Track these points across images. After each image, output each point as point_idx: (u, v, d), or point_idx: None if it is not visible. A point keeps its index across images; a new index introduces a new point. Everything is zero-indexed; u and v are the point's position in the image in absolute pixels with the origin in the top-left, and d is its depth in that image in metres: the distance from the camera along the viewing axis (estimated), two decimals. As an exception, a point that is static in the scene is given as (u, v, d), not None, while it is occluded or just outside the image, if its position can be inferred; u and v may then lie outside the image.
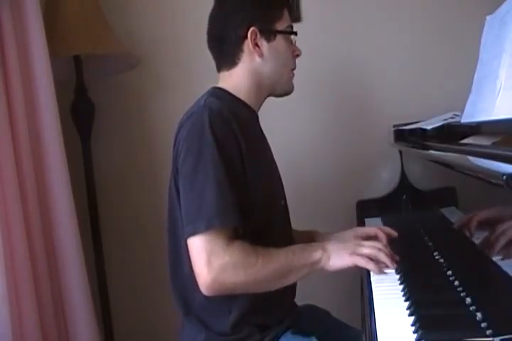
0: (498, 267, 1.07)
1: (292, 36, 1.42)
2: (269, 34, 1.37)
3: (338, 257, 1.21)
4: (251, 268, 1.18)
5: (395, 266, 1.20)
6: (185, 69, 2.17)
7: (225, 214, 1.18)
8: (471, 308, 0.92)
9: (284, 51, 1.39)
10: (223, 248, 1.17)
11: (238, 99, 1.37)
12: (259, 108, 1.43)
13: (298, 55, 1.44)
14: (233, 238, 1.20)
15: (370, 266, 1.19)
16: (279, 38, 1.38)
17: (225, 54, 1.38)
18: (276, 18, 1.38)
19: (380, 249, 1.22)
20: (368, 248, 1.22)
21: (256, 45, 1.35)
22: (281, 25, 1.38)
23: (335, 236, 1.51)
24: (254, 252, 1.20)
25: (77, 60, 2.04)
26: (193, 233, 1.18)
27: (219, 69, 1.41)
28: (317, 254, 1.22)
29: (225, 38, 1.37)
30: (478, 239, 1.26)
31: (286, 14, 1.41)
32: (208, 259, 1.16)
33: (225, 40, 1.37)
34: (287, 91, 1.45)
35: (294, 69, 1.44)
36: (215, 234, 1.17)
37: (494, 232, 1.10)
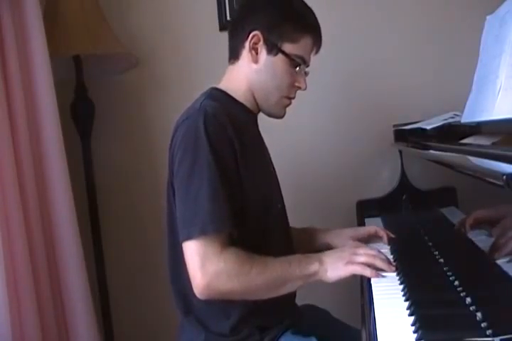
0: (498, 267, 1.07)
1: (299, 68, 1.35)
2: (271, 47, 1.33)
3: (335, 269, 1.21)
4: (245, 276, 1.18)
5: (393, 269, 1.20)
6: (185, 69, 2.17)
7: (219, 220, 1.18)
8: (471, 308, 0.91)
9: (280, 72, 1.34)
10: (217, 253, 1.17)
11: (236, 101, 1.37)
12: (258, 111, 1.41)
13: (299, 88, 1.38)
14: (228, 244, 1.19)
15: (366, 272, 1.19)
16: (281, 58, 1.33)
17: (231, 43, 1.38)
18: (289, 38, 1.32)
19: (374, 256, 1.22)
20: (363, 256, 1.21)
21: (254, 49, 1.33)
22: (290, 48, 1.33)
23: (334, 233, 1.52)
24: (249, 260, 1.19)
25: (77, 60, 2.04)
26: (188, 237, 1.18)
27: (229, 58, 1.40)
28: (314, 267, 1.21)
29: (234, 28, 1.37)
30: (474, 237, 1.27)
31: (305, 43, 1.34)
32: (202, 264, 1.16)
33: (234, 31, 1.37)
34: (274, 115, 1.41)
35: (290, 97, 1.38)
36: (209, 239, 1.17)
37: (503, 236, 1.11)
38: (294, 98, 1.40)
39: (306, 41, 1.35)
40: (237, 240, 1.22)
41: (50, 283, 1.75)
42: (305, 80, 1.38)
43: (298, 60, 1.35)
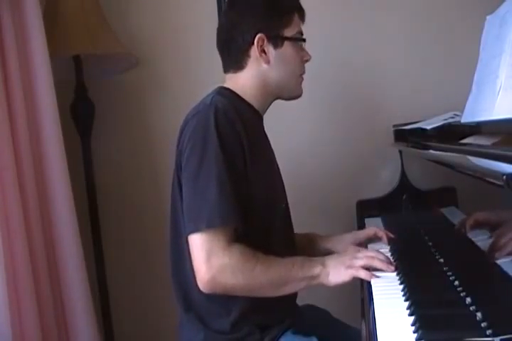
0: (498, 267, 1.07)
1: (303, 43, 1.41)
2: (276, 41, 1.36)
3: (337, 273, 1.22)
4: (249, 272, 1.19)
5: (392, 269, 1.21)
6: (185, 69, 2.17)
7: (226, 214, 1.19)
8: (471, 308, 0.92)
9: (292, 57, 1.39)
10: (223, 248, 1.18)
11: (244, 101, 1.38)
12: (264, 111, 1.43)
13: (307, 60, 1.43)
14: (233, 239, 1.21)
15: (362, 274, 1.20)
16: (287, 45, 1.37)
17: (232, 57, 1.39)
18: (285, 24, 1.37)
19: (373, 257, 1.23)
20: (362, 259, 1.22)
21: (263, 51, 1.35)
22: (289, 32, 1.37)
23: (336, 240, 1.53)
24: (254, 257, 1.20)
25: (77, 60, 2.04)
26: (194, 230, 1.19)
27: (225, 70, 1.41)
28: (316, 270, 1.22)
29: (232, 42, 1.37)
30: (474, 237, 1.27)
31: (296, 19, 1.39)
32: (208, 258, 1.17)
33: (232, 44, 1.37)
34: (295, 96, 1.45)
35: (302, 74, 1.43)
36: (215, 233, 1.18)
37: (503, 237, 1.11)
38: (304, 73, 1.44)
39: (296, 18, 1.40)
40: (240, 236, 1.23)
41: (50, 283, 1.75)
42: (307, 51, 1.43)
43: (299, 37, 1.40)
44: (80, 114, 2.09)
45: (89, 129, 2.11)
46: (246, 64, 1.37)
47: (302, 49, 1.42)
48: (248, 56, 1.36)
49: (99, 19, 2.03)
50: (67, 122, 2.02)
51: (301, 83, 1.44)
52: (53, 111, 1.80)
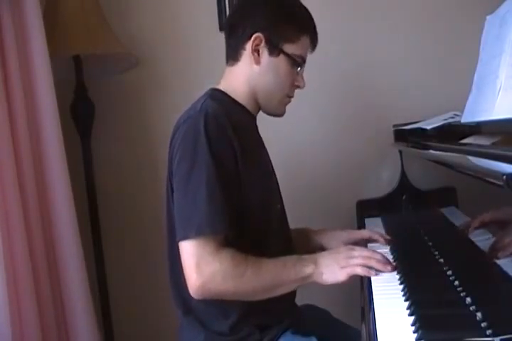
0: (498, 267, 1.07)
1: (301, 68, 1.38)
2: (273, 49, 1.34)
3: (331, 272, 1.21)
4: (240, 277, 1.19)
5: (389, 269, 1.20)
6: (185, 69, 2.17)
7: (215, 221, 1.18)
8: (471, 308, 0.92)
9: (283, 73, 1.36)
10: (213, 254, 1.17)
11: (236, 102, 1.37)
12: (257, 112, 1.43)
13: (298, 86, 1.40)
14: (223, 245, 1.20)
15: (359, 271, 1.19)
16: (283, 59, 1.35)
17: (230, 44, 1.39)
18: (289, 39, 1.34)
19: (370, 257, 1.22)
20: (358, 259, 1.21)
21: (256, 51, 1.34)
22: (290, 49, 1.34)
23: (330, 235, 1.53)
24: (244, 261, 1.20)
25: (77, 60, 2.04)
26: (184, 238, 1.19)
27: (227, 60, 1.41)
28: (308, 269, 1.22)
29: (234, 30, 1.37)
30: (474, 237, 1.27)
31: (303, 41, 1.36)
32: (198, 265, 1.17)
33: (234, 33, 1.37)
34: (276, 114, 1.43)
35: (291, 96, 1.41)
36: (204, 241, 1.18)
37: (506, 236, 1.11)
38: (293, 97, 1.42)
39: (305, 40, 1.37)
40: (236, 241, 1.22)
41: (50, 283, 1.75)
42: (303, 79, 1.40)
43: (299, 60, 1.36)
44: (80, 114, 2.09)
45: (89, 129, 2.11)
46: (240, 56, 1.36)
47: (297, 72, 1.38)
48: (243, 48, 1.35)
49: (99, 19, 2.03)
50: (67, 122, 2.02)
51: (285, 104, 1.41)
52: (53, 111, 1.80)
